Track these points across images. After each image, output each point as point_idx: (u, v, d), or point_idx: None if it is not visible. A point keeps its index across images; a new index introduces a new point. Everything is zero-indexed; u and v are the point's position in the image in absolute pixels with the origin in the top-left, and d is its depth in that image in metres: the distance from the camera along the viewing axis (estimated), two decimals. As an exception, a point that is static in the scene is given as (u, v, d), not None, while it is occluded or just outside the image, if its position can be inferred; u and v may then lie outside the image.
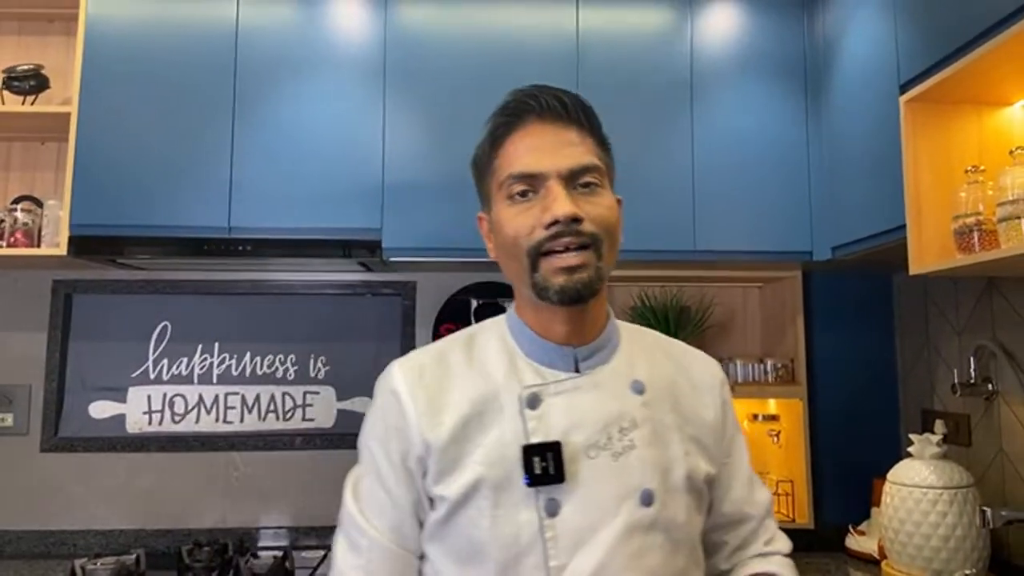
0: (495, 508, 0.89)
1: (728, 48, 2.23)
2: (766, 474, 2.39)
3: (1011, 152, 1.47)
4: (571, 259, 0.90)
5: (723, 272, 2.39)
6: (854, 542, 2.16)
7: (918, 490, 1.74)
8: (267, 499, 2.39)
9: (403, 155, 2.15)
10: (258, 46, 2.15)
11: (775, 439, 2.40)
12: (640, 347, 1.03)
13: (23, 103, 2.25)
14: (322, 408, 2.46)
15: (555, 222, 0.89)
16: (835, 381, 2.42)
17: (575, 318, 0.95)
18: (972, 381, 1.92)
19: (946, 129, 1.63)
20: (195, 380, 2.44)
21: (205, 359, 2.46)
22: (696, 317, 2.43)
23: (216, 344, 2.46)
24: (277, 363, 2.47)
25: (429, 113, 2.17)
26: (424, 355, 1.01)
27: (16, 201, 2.29)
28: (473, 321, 2.51)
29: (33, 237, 2.16)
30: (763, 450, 2.42)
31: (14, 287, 2.42)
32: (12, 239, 2.13)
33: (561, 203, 0.89)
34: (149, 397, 2.42)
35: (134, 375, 2.42)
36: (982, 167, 1.53)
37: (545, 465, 0.89)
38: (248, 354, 2.47)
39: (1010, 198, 1.41)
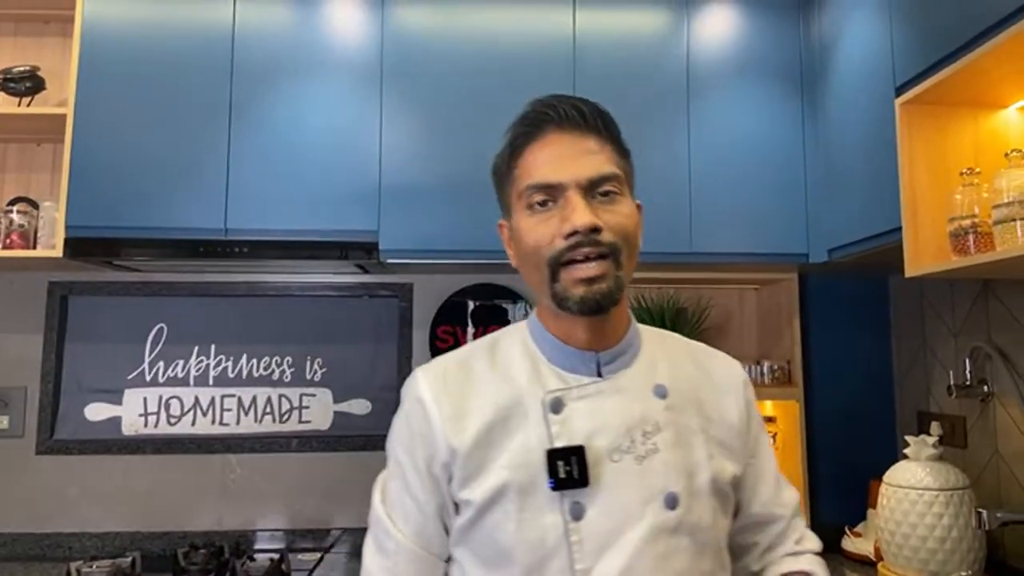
0: (520, 512, 0.90)
1: (724, 51, 2.24)
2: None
3: (1006, 154, 1.47)
4: (590, 270, 0.91)
5: (719, 274, 2.39)
6: (850, 544, 2.16)
7: (914, 491, 1.74)
8: (263, 501, 2.39)
9: (400, 157, 2.15)
10: (255, 48, 2.15)
11: (771, 441, 2.40)
12: (662, 351, 1.04)
13: (19, 104, 2.25)
14: (319, 410, 2.46)
15: (574, 232, 0.90)
16: (831, 383, 2.42)
17: (596, 326, 0.96)
18: (968, 383, 1.92)
19: (942, 131, 1.63)
20: (191, 382, 2.44)
21: (201, 361, 2.45)
22: (693, 319, 2.44)
23: (212, 346, 2.46)
24: (273, 365, 2.47)
25: (426, 115, 2.17)
26: (448, 361, 1.02)
27: (12, 203, 2.29)
28: (470, 323, 2.51)
29: (29, 239, 2.16)
30: (760, 452, 2.42)
31: (10, 289, 2.41)
32: (8, 241, 2.13)
33: (580, 213, 0.90)
34: (145, 399, 2.41)
35: (130, 377, 2.42)
36: (978, 169, 1.54)
37: (569, 469, 0.90)
38: (244, 356, 2.46)
39: (1005, 200, 1.41)
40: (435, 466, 0.95)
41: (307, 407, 2.46)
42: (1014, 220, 1.39)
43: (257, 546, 2.33)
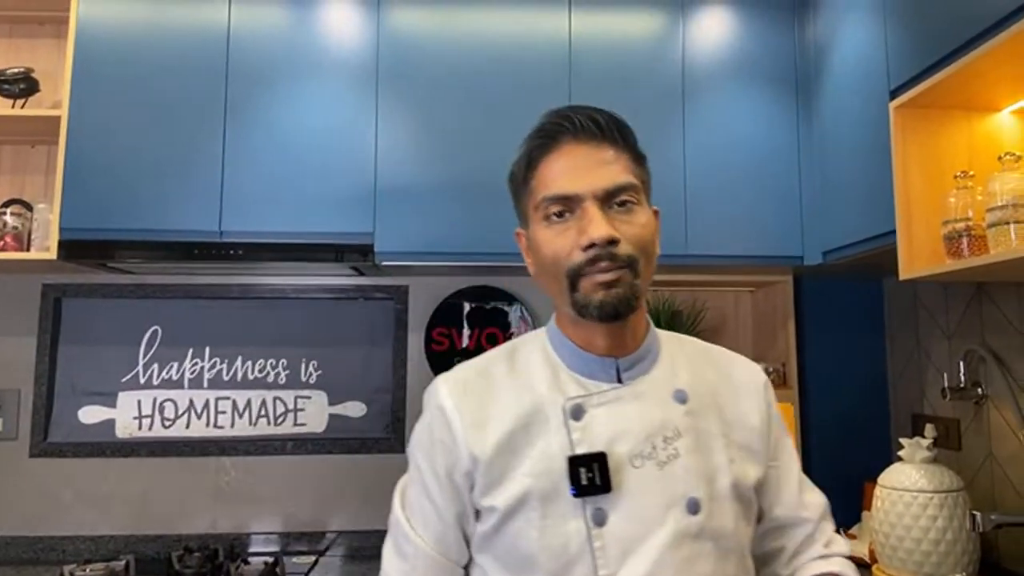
0: (543, 519, 0.91)
1: (719, 53, 2.24)
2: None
3: (1000, 158, 1.47)
4: (608, 275, 0.91)
5: (715, 276, 2.40)
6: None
7: (908, 494, 1.74)
8: (258, 504, 2.38)
9: (396, 159, 2.14)
10: (250, 50, 2.15)
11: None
12: (681, 355, 1.04)
13: (13, 106, 2.24)
14: (314, 413, 2.45)
15: (592, 244, 0.90)
16: (826, 385, 2.42)
17: (615, 332, 0.97)
18: (962, 385, 1.92)
19: (936, 134, 1.64)
20: (186, 385, 2.43)
21: (196, 363, 2.44)
22: (688, 321, 2.44)
23: (207, 348, 2.45)
24: (268, 367, 2.46)
25: (422, 117, 2.16)
26: (468, 369, 1.02)
27: (6, 204, 2.27)
28: (466, 325, 2.51)
29: (23, 241, 2.15)
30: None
31: (3, 291, 2.40)
32: (1, 243, 2.12)
33: (597, 225, 0.90)
34: (139, 402, 2.40)
35: (124, 380, 2.41)
36: (971, 172, 1.54)
37: (591, 476, 0.90)
38: (239, 358, 2.46)
39: (999, 203, 1.42)
40: (456, 474, 0.95)
41: (302, 410, 2.45)
42: (1008, 223, 1.40)
43: (252, 549, 2.32)
